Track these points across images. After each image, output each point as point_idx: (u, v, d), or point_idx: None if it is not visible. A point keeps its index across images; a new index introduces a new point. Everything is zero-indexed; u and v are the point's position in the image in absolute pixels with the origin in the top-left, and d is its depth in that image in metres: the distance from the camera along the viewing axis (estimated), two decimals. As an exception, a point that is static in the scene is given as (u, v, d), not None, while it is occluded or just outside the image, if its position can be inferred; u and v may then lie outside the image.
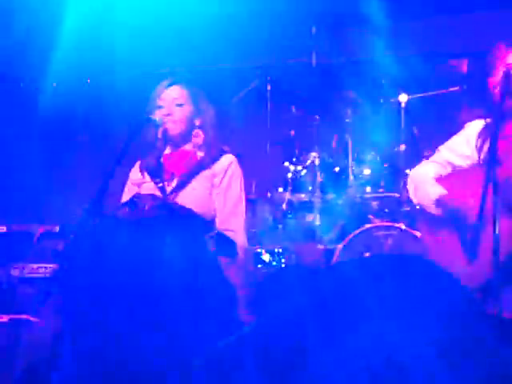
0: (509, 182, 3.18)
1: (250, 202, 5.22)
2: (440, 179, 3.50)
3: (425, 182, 3.53)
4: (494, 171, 2.99)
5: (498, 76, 3.35)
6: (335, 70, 6.30)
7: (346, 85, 5.64)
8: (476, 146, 3.48)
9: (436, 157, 3.62)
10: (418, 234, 4.87)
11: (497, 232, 2.98)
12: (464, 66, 5.44)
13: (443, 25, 6.30)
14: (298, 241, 5.50)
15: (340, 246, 5.00)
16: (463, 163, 3.51)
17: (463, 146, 3.52)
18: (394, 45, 6.29)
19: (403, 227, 4.96)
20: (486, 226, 3.11)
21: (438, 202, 3.43)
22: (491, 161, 3.01)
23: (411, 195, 3.66)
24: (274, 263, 4.87)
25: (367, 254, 4.89)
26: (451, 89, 5.39)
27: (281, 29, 6.57)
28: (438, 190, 3.44)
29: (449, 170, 3.53)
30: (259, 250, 4.84)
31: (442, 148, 3.64)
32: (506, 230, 3.09)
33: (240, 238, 3.63)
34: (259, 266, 4.87)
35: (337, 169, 5.46)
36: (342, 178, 5.40)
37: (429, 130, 5.51)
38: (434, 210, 3.45)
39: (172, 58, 6.36)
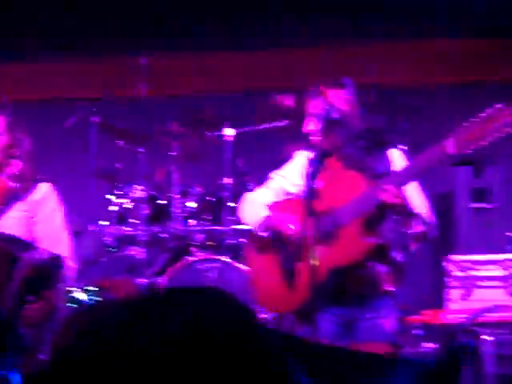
0: (328, 213, 3.26)
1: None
2: (272, 205, 3.55)
3: (253, 205, 3.57)
4: (311, 203, 3.09)
5: (315, 112, 3.44)
6: (160, 102, 6.28)
7: (171, 118, 5.62)
8: (303, 175, 3.55)
9: (270, 183, 3.68)
10: (241, 266, 4.89)
11: (314, 260, 3.05)
12: (291, 101, 5.54)
13: (271, 60, 6.42)
14: (121, 275, 5.40)
15: (163, 279, 4.92)
16: (295, 190, 3.57)
17: (294, 174, 3.59)
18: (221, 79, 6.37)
19: (227, 260, 4.96)
20: (304, 252, 3.18)
21: (263, 224, 3.46)
22: (309, 193, 3.13)
23: (241, 215, 3.72)
24: (90, 301, 4.65)
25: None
26: (278, 123, 5.47)
27: (108, 60, 6.50)
28: (265, 213, 3.49)
29: (281, 196, 3.59)
30: (74, 289, 4.59)
31: (274, 175, 3.69)
32: (322, 258, 3.16)
33: (68, 264, 3.53)
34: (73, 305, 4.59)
35: (161, 201, 5.40)
36: (166, 210, 5.34)
37: (254, 163, 5.57)
38: (259, 231, 3.49)
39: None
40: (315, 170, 3.21)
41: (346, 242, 3.23)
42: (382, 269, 3.32)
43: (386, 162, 3.43)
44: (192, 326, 1.46)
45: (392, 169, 3.37)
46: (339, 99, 3.47)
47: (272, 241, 3.46)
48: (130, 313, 1.53)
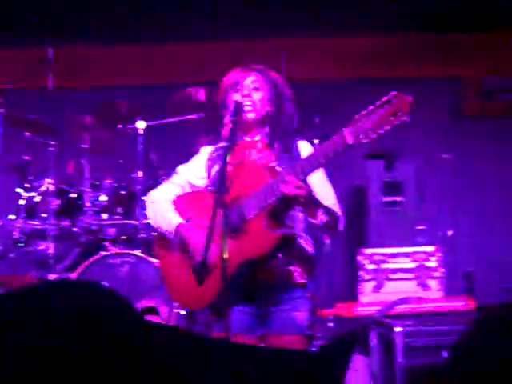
0: (234, 207, 3.24)
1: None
2: (177, 200, 3.50)
3: (160, 205, 3.51)
4: (222, 196, 3.07)
5: (228, 105, 3.41)
6: (73, 95, 6.16)
7: (83, 110, 5.51)
8: (207, 169, 3.52)
9: (175, 178, 3.62)
10: (154, 260, 4.83)
11: (224, 254, 3.03)
12: (201, 95, 5.51)
13: (183, 53, 6.37)
14: (30, 270, 5.27)
15: (74, 274, 4.82)
16: (200, 183, 3.53)
17: (199, 168, 3.55)
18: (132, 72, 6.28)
19: (139, 254, 4.89)
20: (213, 248, 3.15)
21: (171, 231, 3.42)
22: (220, 186, 3.11)
23: (149, 218, 3.63)
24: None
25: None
26: (189, 116, 5.43)
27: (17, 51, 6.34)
28: (171, 217, 3.44)
29: (187, 189, 3.55)
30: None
31: (180, 169, 3.64)
32: (231, 251, 3.15)
33: None
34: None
35: (72, 195, 5.28)
36: (78, 204, 5.23)
37: (167, 156, 5.50)
38: (167, 233, 3.43)
39: None
40: (223, 162, 3.19)
41: (253, 235, 3.21)
42: (292, 261, 3.31)
43: (294, 153, 3.42)
44: (74, 317, 1.41)
45: (298, 160, 3.35)
46: (251, 89, 3.44)
47: (181, 240, 3.41)
48: (13, 305, 1.47)
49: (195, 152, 3.71)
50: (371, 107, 2.99)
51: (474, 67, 6.54)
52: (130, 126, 5.35)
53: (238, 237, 3.24)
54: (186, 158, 3.98)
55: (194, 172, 3.56)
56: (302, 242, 3.36)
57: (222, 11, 6.11)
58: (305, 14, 6.27)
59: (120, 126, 5.51)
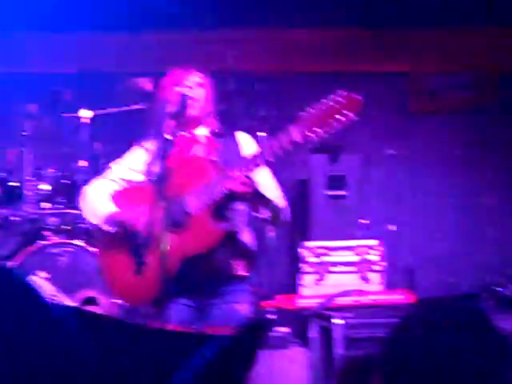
0: (177, 202, 3.24)
1: None
2: (113, 195, 3.47)
3: (95, 200, 3.48)
4: (163, 189, 3.05)
5: (170, 99, 3.41)
6: (13, 81, 6.06)
7: (25, 97, 5.43)
8: (146, 162, 3.51)
9: (108, 173, 3.60)
10: (95, 250, 4.79)
11: (164, 247, 3.02)
12: (149, 85, 5.47)
13: (130, 43, 6.31)
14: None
15: (13, 263, 4.75)
16: (136, 178, 3.51)
17: (135, 163, 3.53)
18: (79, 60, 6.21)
19: (80, 244, 4.84)
20: (154, 241, 3.14)
21: (108, 220, 3.38)
22: (160, 179, 3.11)
23: (83, 213, 3.60)
24: None
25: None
26: (135, 106, 5.39)
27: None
28: (107, 208, 3.41)
29: (122, 185, 3.52)
30: None
31: (113, 165, 3.62)
32: (174, 246, 3.15)
33: None
34: None
35: (12, 183, 5.20)
36: (18, 192, 5.15)
37: (112, 146, 5.46)
38: (104, 227, 3.40)
39: None
40: (164, 155, 3.22)
41: (197, 231, 3.22)
42: (234, 255, 3.32)
43: (236, 147, 3.45)
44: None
45: (241, 155, 3.38)
46: (194, 85, 3.47)
47: (119, 234, 3.39)
48: None
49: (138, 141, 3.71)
50: (319, 105, 3.01)
51: (420, 65, 6.61)
52: (74, 115, 5.29)
53: (181, 232, 3.24)
54: (130, 148, 3.96)
55: (130, 167, 3.55)
56: (243, 236, 3.38)
57: (171, 2, 6.07)
58: (254, 7, 6.28)
59: (64, 114, 5.44)
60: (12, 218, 5.14)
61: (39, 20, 5.96)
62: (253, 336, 1.74)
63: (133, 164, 3.56)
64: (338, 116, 2.97)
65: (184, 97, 3.38)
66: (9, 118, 5.37)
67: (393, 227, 6.33)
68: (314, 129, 3.00)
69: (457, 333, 1.62)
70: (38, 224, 5.14)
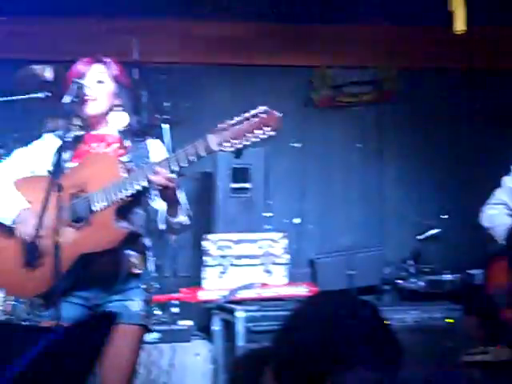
0: (81, 197, 3.19)
1: None
2: (17, 183, 3.38)
3: (5, 189, 3.38)
4: (57, 180, 3.05)
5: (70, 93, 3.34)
6: None
7: None
8: (50, 153, 3.42)
9: (12, 161, 3.50)
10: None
11: (57, 240, 2.98)
12: (48, 73, 5.33)
13: (27, 28, 6.15)
14: None
15: None
16: (39, 170, 3.43)
17: (41, 154, 3.45)
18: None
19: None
20: (49, 234, 3.07)
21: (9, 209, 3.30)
22: (55, 170, 3.10)
23: None
24: None
25: None
26: (34, 95, 5.24)
27: None
28: (19, 199, 3.34)
29: (24, 174, 3.43)
30: None
31: (20, 152, 3.53)
32: (72, 241, 3.14)
33: None
34: None
35: None
36: None
37: (9, 134, 5.32)
38: (9, 220, 3.31)
39: None
40: (67, 148, 3.21)
41: (99, 228, 3.17)
42: (131, 253, 3.29)
43: (144, 150, 3.41)
44: None
45: (152, 159, 3.35)
46: (93, 81, 3.40)
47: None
48: None
49: (40, 131, 3.62)
50: (239, 118, 3.04)
51: (324, 59, 6.68)
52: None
53: (82, 228, 3.18)
54: (29, 137, 3.85)
55: (36, 158, 3.45)
56: (143, 237, 3.36)
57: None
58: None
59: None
60: None
61: None
62: (94, 328, 1.73)
63: (39, 155, 3.46)
64: (256, 131, 3.00)
65: (80, 94, 3.32)
66: None
67: (298, 220, 6.38)
68: (232, 140, 3.02)
69: (344, 323, 1.65)
70: None
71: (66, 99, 3.27)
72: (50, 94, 5.24)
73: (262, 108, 3.03)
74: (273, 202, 6.00)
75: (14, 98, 5.24)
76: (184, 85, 6.35)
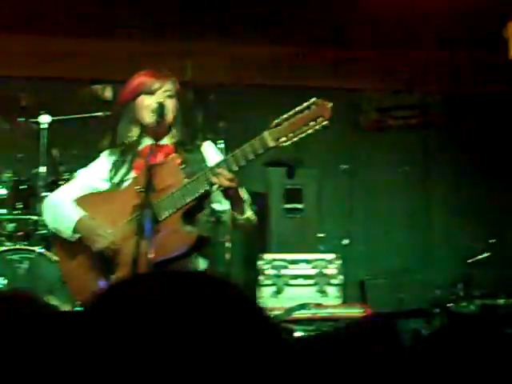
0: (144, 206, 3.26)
1: None
2: (80, 201, 3.45)
3: (64, 205, 3.45)
4: (149, 195, 3.09)
5: (136, 107, 3.42)
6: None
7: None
8: (110, 172, 3.51)
9: (75, 180, 3.59)
10: (55, 257, 4.72)
11: (134, 254, 3.03)
12: (108, 92, 5.42)
13: (89, 49, 6.27)
14: None
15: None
16: (102, 186, 3.50)
17: (101, 171, 3.52)
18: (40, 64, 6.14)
19: (40, 250, 4.76)
20: (123, 248, 3.15)
21: (74, 227, 3.38)
22: (147, 186, 3.12)
23: (47, 221, 3.57)
24: None
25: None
26: (94, 114, 5.34)
27: None
28: (73, 215, 3.40)
29: (87, 191, 3.51)
30: None
31: (82, 171, 3.60)
32: (142, 251, 3.14)
33: None
34: None
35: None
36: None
37: (70, 153, 5.42)
38: (69, 234, 3.37)
39: None
40: (132, 163, 3.31)
41: (167, 235, 3.22)
42: (202, 262, 3.34)
43: (200, 156, 3.47)
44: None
45: (207, 160, 3.41)
46: (166, 94, 3.46)
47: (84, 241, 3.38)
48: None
49: (99, 150, 3.69)
50: (292, 112, 3.07)
51: (372, 82, 6.75)
52: (32, 120, 5.20)
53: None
54: (89, 155, 3.93)
55: (97, 175, 3.54)
56: (211, 243, 3.42)
57: (127, 11, 6.07)
58: (208, 20, 6.32)
59: (22, 119, 5.37)
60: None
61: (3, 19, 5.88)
62: None
63: (100, 172, 3.54)
64: (310, 122, 3.04)
65: (163, 105, 3.39)
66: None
67: (346, 241, 6.42)
68: (288, 134, 3.06)
69: None
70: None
71: (151, 118, 3.34)
72: (109, 113, 5.37)
73: (312, 99, 3.07)
74: (324, 223, 6.06)
75: (74, 116, 5.36)
76: (235, 106, 6.43)
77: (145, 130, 3.45)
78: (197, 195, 3.20)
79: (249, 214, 3.36)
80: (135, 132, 3.47)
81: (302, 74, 6.61)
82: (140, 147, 3.48)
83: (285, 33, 6.46)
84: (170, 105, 3.44)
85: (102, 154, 3.61)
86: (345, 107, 6.71)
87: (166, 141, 3.51)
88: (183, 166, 3.39)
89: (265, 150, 3.10)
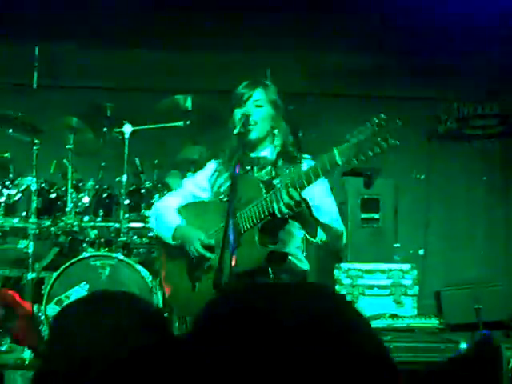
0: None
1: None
2: (181, 209, 3.60)
3: (167, 213, 3.56)
4: (233, 205, 3.11)
5: (232, 120, 3.45)
6: (58, 95, 6.14)
7: (69, 111, 5.49)
8: (210, 182, 3.59)
9: (180, 189, 3.71)
10: (134, 263, 4.86)
11: (223, 264, 3.07)
12: (188, 102, 5.53)
13: (169, 60, 6.40)
14: (6, 268, 5.28)
15: (55, 274, 4.80)
16: (203, 195, 3.59)
17: (203, 181, 3.60)
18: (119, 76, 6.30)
19: (121, 257, 4.89)
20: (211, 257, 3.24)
21: (174, 232, 3.49)
22: (231, 195, 3.16)
23: (153, 227, 3.73)
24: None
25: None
26: (175, 123, 5.45)
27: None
28: (175, 221, 3.53)
29: (190, 200, 3.62)
30: None
31: (186, 181, 3.79)
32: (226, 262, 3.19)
33: None
34: None
35: (54, 195, 5.26)
36: (59, 204, 5.21)
37: (151, 161, 5.55)
38: (169, 240, 3.51)
39: None
40: (233, 172, 3.23)
41: (244, 249, 3.20)
42: (283, 276, 3.34)
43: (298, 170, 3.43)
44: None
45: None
46: (259, 100, 3.44)
47: (182, 249, 3.48)
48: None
49: (180, 160, 3.78)
50: (362, 129, 2.96)
51: (450, 92, 6.71)
52: (116, 130, 5.34)
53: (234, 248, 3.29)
54: (169, 163, 4.00)
55: (199, 184, 3.63)
56: (293, 258, 3.39)
57: (211, 22, 6.17)
58: (286, 30, 6.38)
59: (106, 128, 5.53)
60: (52, 229, 5.19)
61: (83, 34, 6.06)
62: None
63: (201, 182, 3.63)
64: (380, 141, 2.91)
65: (247, 116, 3.37)
66: (52, 131, 5.41)
67: (422, 251, 6.39)
68: (357, 153, 2.92)
69: None
70: (78, 235, 5.20)
71: (236, 129, 3.36)
72: (189, 123, 5.49)
73: (382, 116, 2.93)
74: (399, 233, 6.04)
75: (155, 125, 5.49)
76: (312, 115, 6.47)
77: (240, 142, 3.38)
78: (267, 213, 3.16)
79: (322, 237, 3.24)
80: (234, 143, 3.43)
81: (380, 83, 6.62)
82: (239, 159, 3.36)
83: (362, 41, 6.47)
84: (259, 114, 3.41)
85: (208, 163, 3.70)
86: (423, 117, 6.69)
87: (266, 152, 3.49)
88: (276, 180, 3.33)
89: (333, 169, 3.00)
